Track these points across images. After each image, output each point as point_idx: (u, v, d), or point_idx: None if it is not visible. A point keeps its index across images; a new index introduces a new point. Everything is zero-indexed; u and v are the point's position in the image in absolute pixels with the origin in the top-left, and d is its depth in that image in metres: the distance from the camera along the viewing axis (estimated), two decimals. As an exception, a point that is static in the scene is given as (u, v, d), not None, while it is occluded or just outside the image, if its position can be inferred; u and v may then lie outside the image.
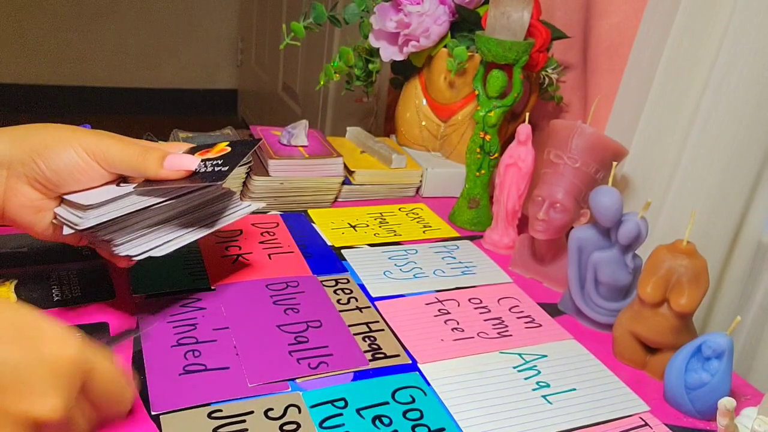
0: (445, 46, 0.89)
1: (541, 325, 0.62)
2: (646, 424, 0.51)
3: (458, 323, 0.61)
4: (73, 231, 0.47)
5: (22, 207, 0.48)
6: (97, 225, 0.47)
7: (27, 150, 0.47)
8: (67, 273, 0.59)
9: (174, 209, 0.52)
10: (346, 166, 0.84)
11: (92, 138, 0.48)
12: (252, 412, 0.46)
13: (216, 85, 2.99)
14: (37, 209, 0.48)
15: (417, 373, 0.53)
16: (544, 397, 0.52)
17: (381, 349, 0.55)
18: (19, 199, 0.47)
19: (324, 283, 0.64)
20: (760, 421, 0.46)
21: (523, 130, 0.73)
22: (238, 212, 0.57)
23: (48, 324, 0.32)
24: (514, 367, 0.55)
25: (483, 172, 0.80)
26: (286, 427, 0.45)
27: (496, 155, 0.79)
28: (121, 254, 0.48)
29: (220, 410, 0.46)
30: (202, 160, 0.52)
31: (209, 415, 0.45)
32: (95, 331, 0.52)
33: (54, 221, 0.49)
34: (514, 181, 0.74)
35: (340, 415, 0.47)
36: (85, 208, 0.47)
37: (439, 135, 0.93)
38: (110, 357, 0.35)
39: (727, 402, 0.44)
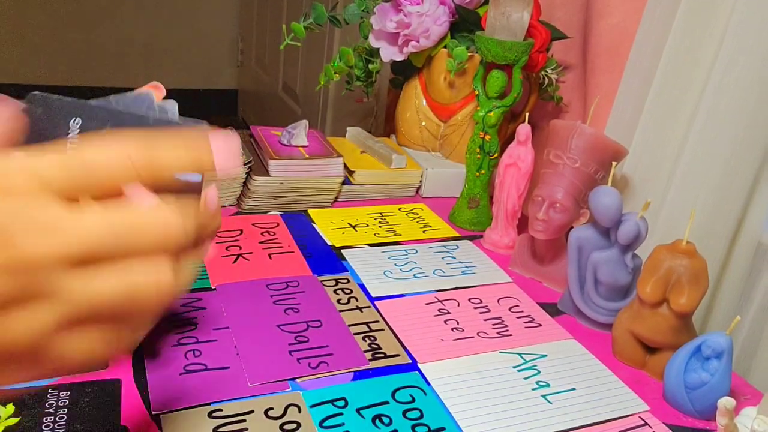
0: (445, 47, 0.89)
1: (540, 325, 0.62)
2: (646, 424, 0.51)
3: (458, 323, 0.61)
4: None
5: None
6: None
7: None
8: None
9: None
10: (346, 166, 0.84)
11: None
12: (252, 412, 0.46)
13: (216, 86, 2.99)
14: None
15: (417, 372, 0.53)
16: (543, 396, 0.52)
17: (381, 348, 0.55)
18: None
19: (324, 282, 0.64)
20: (759, 421, 0.46)
21: (523, 130, 0.73)
22: None
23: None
24: (514, 367, 0.56)
25: (483, 172, 0.80)
26: (286, 427, 0.45)
27: (496, 155, 0.79)
28: None
29: (221, 410, 0.46)
30: None
31: (209, 415, 0.45)
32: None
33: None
34: (513, 181, 0.74)
35: (340, 414, 0.47)
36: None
37: (439, 135, 0.93)
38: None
39: (726, 402, 0.44)
